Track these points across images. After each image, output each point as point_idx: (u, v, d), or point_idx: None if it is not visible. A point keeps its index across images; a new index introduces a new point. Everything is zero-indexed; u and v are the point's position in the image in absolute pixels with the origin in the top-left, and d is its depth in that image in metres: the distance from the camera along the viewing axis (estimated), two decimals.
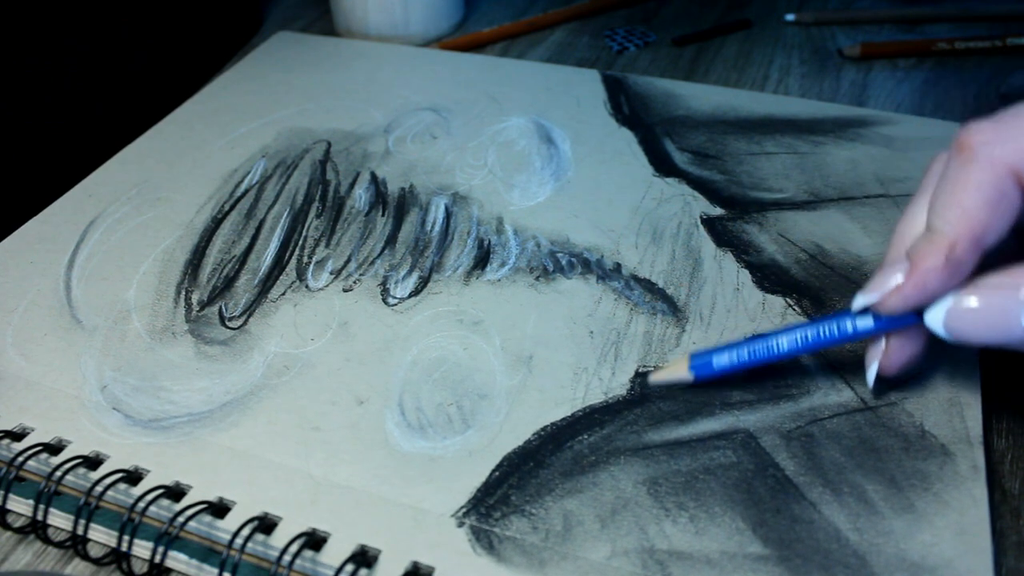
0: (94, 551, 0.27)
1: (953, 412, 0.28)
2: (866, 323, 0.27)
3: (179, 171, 0.41)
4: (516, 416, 0.29)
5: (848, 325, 0.27)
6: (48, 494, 0.27)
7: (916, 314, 0.26)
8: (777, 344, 0.28)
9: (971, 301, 0.24)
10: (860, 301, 0.27)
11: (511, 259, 0.36)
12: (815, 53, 0.53)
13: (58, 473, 0.27)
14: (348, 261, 0.36)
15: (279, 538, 0.25)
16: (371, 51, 0.52)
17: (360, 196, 0.39)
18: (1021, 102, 0.24)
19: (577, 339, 0.32)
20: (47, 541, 0.27)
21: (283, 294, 0.34)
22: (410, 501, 0.26)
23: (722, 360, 0.29)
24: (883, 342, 0.28)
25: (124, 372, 0.31)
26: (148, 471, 0.27)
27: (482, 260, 0.36)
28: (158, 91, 0.49)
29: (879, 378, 0.28)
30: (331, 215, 0.38)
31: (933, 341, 0.27)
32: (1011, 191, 0.24)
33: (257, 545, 0.25)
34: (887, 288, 0.26)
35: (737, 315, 0.33)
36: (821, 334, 0.28)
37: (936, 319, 0.25)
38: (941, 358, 0.30)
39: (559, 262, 0.35)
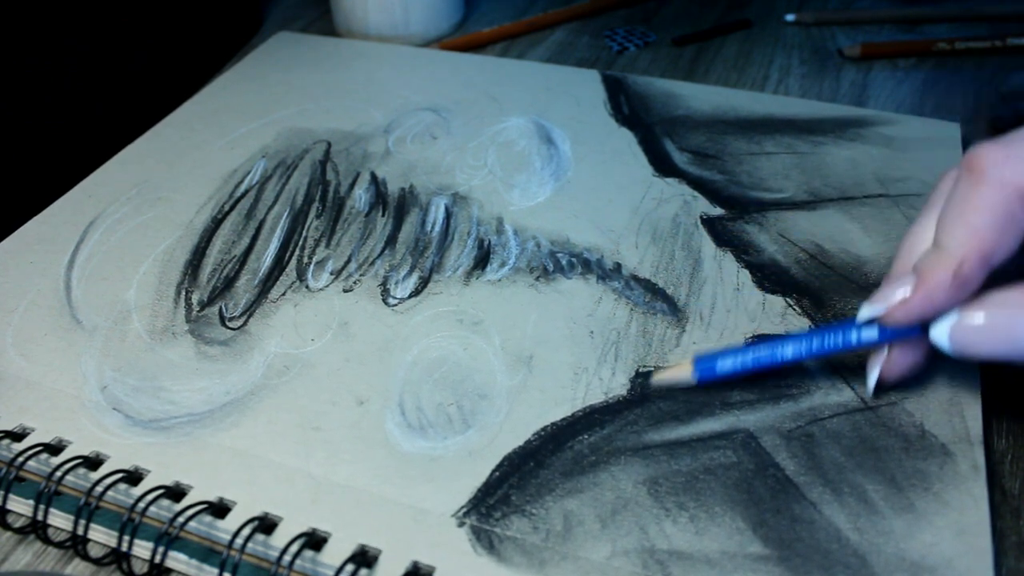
0: (94, 551, 0.27)
1: (953, 412, 0.28)
2: (871, 334, 0.27)
3: (179, 171, 0.41)
4: (516, 416, 0.29)
5: (853, 335, 0.28)
6: (48, 494, 0.27)
7: (920, 328, 0.27)
8: (781, 352, 0.28)
9: (977, 317, 0.25)
10: (866, 312, 0.27)
11: (511, 259, 0.36)
12: (815, 53, 0.53)
13: (58, 473, 0.27)
14: (348, 261, 0.36)
15: (279, 538, 0.25)
16: (371, 51, 0.52)
17: (360, 196, 0.39)
18: None
19: (577, 339, 0.32)
20: (47, 541, 0.27)
21: (283, 294, 0.34)
22: (410, 501, 0.26)
23: (726, 365, 0.29)
24: (886, 350, 0.28)
25: (124, 372, 0.31)
26: (148, 471, 0.27)
27: (482, 260, 0.36)
28: (158, 91, 0.49)
29: (879, 384, 0.29)
30: (331, 215, 0.38)
31: (934, 352, 0.27)
32: (1019, 212, 0.24)
33: (257, 545, 0.25)
34: (893, 301, 0.26)
35: (737, 315, 0.33)
36: (826, 344, 0.28)
37: (941, 334, 0.26)
38: (941, 362, 0.30)
39: (559, 262, 0.35)
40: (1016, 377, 0.31)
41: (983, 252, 0.25)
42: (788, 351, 0.28)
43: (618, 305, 0.33)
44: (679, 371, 0.30)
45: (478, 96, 0.47)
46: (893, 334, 0.27)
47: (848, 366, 0.30)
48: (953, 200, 0.25)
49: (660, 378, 0.30)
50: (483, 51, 0.55)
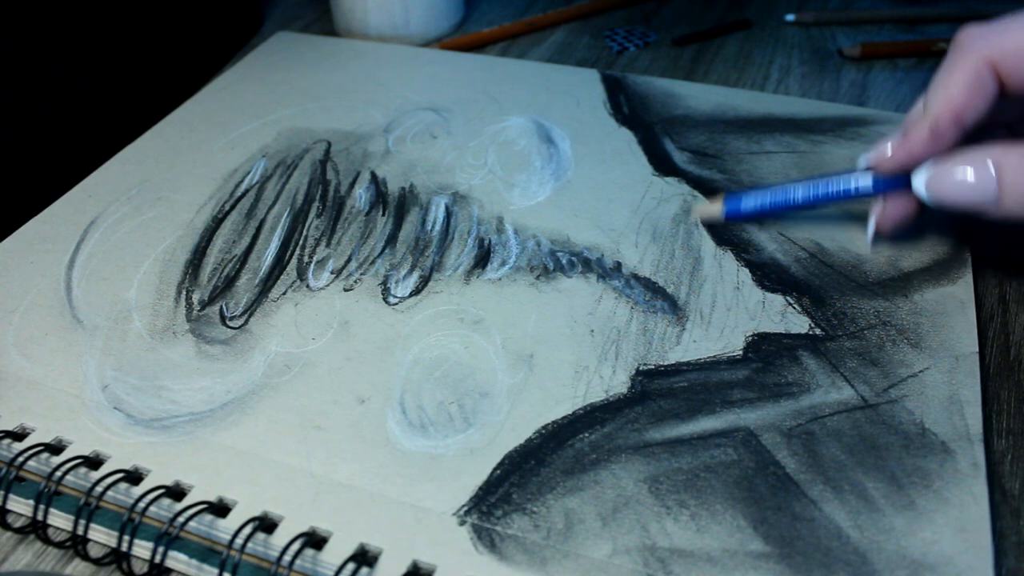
0: (94, 551, 0.27)
1: (953, 410, 0.29)
2: (866, 183, 0.33)
3: (179, 171, 0.41)
4: (517, 414, 0.29)
5: (852, 183, 0.33)
6: (48, 494, 0.27)
7: (906, 181, 0.32)
8: (793, 193, 0.34)
9: (947, 166, 0.30)
10: (862, 161, 0.33)
11: (511, 258, 0.36)
12: (815, 53, 0.53)
13: (58, 473, 0.27)
14: (349, 260, 0.36)
15: (280, 537, 0.25)
16: (371, 51, 0.52)
17: (360, 196, 0.40)
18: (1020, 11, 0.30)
19: (578, 337, 0.32)
20: (47, 541, 0.27)
21: (284, 293, 0.34)
22: (411, 500, 0.26)
23: (749, 203, 0.35)
24: (881, 202, 0.33)
25: (125, 372, 0.31)
26: (149, 471, 0.27)
27: (482, 259, 0.36)
28: (158, 91, 0.49)
29: (876, 235, 0.34)
30: (331, 215, 0.38)
31: (921, 211, 0.33)
32: (987, 77, 0.29)
33: (258, 545, 0.25)
34: (884, 153, 0.32)
35: (737, 313, 0.33)
36: (830, 189, 0.34)
37: (919, 182, 0.31)
38: (942, 360, 0.30)
39: (559, 261, 0.35)
40: (1017, 376, 0.31)
41: (954, 110, 0.29)
42: (799, 194, 0.34)
43: (618, 303, 0.33)
44: (713, 208, 0.36)
45: (478, 96, 0.47)
46: (884, 184, 0.33)
47: (848, 364, 0.30)
48: (938, 72, 0.31)
49: (696, 214, 0.37)
50: (483, 51, 0.55)
